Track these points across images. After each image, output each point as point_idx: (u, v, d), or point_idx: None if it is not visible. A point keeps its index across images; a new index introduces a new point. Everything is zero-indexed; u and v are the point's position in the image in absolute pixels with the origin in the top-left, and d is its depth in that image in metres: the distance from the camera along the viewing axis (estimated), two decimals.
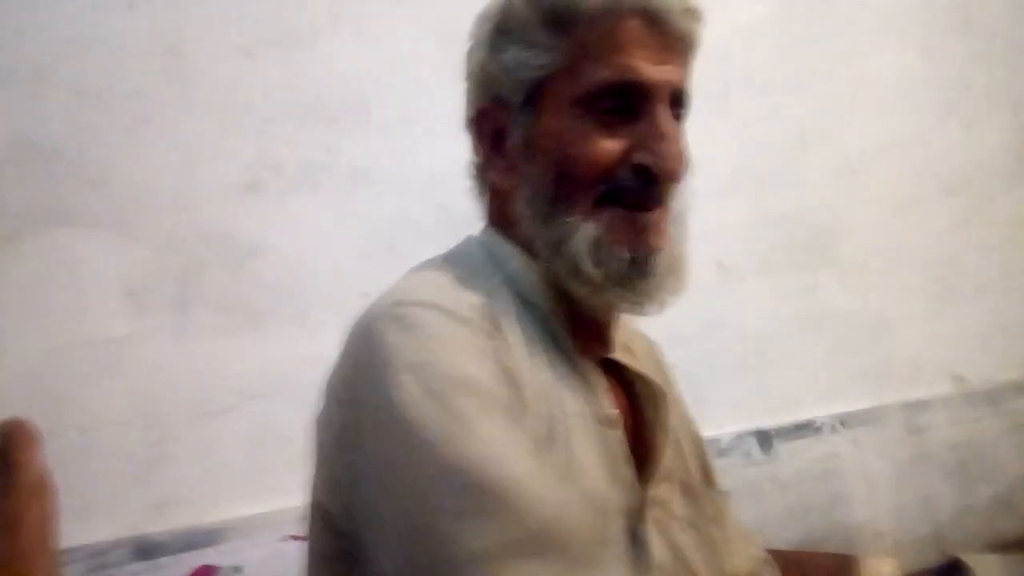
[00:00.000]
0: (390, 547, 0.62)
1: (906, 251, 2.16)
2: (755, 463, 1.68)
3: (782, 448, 1.74)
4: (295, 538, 1.16)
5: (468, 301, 0.70)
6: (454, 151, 1.48)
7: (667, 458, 0.81)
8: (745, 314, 1.79)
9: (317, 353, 1.28)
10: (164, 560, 1.13)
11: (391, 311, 0.67)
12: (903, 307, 2.10)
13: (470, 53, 0.83)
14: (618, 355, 0.84)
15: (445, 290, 0.72)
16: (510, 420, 0.64)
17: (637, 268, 0.74)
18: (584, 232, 0.73)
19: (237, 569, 1.16)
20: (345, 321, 1.32)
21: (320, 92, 1.37)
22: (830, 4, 2.17)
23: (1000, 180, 2.47)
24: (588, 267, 0.72)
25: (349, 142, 1.39)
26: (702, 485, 0.89)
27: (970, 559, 0.96)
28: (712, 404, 1.74)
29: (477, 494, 0.58)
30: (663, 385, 0.88)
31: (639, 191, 0.73)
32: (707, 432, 1.63)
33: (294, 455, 1.26)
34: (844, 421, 1.86)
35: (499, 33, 0.77)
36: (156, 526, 1.13)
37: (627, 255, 0.73)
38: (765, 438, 1.72)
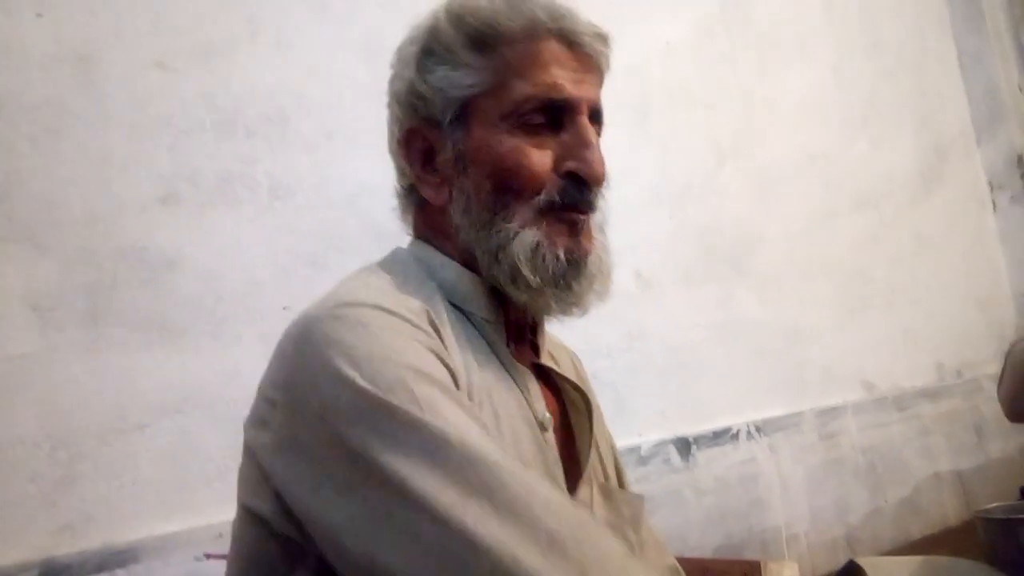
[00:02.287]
0: (360, 535, 0.60)
1: (818, 263, 2.24)
2: (675, 470, 1.72)
3: (701, 455, 1.78)
4: (211, 556, 1.15)
5: (407, 304, 0.72)
6: (376, 164, 1.48)
7: (592, 460, 0.85)
8: (665, 325, 1.83)
9: (235, 368, 1.28)
10: None
11: (333, 312, 0.68)
12: (816, 317, 2.19)
13: (394, 79, 0.87)
14: (546, 361, 0.88)
15: (385, 293, 0.73)
16: (467, 411, 0.65)
17: (572, 268, 0.78)
18: (524, 238, 0.76)
19: None
20: (263, 335, 1.32)
21: (238, 104, 1.35)
22: (746, 25, 2.25)
23: (907, 195, 2.59)
24: (527, 272, 0.76)
25: (269, 155, 1.37)
26: (618, 487, 0.92)
27: (865, 562, 1.01)
28: (633, 413, 1.78)
29: (471, 469, 0.59)
30: (586, 393, 0.91)
31: (577, 198, 0.78)
32: (628, 440, 1.67)
33: (211, 471, 1.25)
34: (760, 428, 1.91)
35: (426, 55, 0.81)
36: (65, 548, 1.10)
37: (563, 256, 0.77)
38: (684, 445, 1.76)
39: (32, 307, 1.13)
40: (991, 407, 1.52)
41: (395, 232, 1.47)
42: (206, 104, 1.32)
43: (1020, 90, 2.86)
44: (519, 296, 0.78)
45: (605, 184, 0.81)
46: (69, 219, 1.17)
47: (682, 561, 0.98)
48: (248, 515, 0.71)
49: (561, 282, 0.77)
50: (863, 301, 2.33)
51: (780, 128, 2.26)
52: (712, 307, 1.97)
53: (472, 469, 0.59)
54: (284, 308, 1.32)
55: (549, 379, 0.88)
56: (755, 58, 2.26)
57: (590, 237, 0.81)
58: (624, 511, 0.87)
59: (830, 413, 2.10)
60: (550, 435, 0.80)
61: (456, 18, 0.80)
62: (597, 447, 0.90)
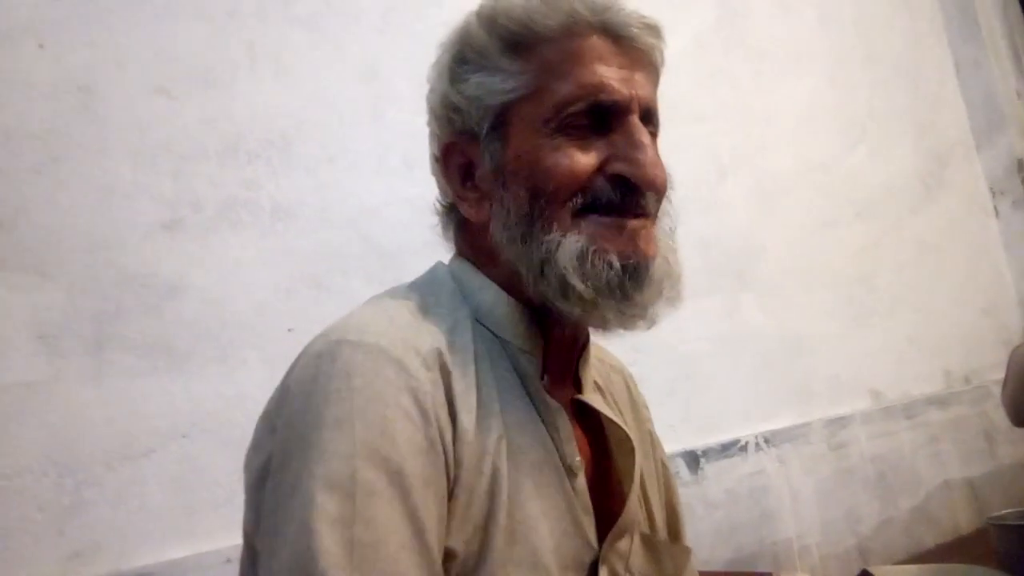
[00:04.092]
0: None
1: (821, 272, 2.24)
2: (684, 484, 1.71)
3: (710, 468, 1.77)
4: None
5: (418, 345, 0.67)
6: (377, 185, 1.50)
7: (630, 510, 0.77)
8: (669, 338, 1.83)
9: (240, 391, 1.28)
10: None
11: (332, 349, 0.65)
12: (821, 326, 2.18)
13: (430, 93, 0.81)
14: (588, 396, 0.80)
15: (397, 330, 0.68)
16: (408, 503, 0.60)
17: (630, 276, 0.70)
18: (567, 246, 0.69)
19: None
20: (269, 358, 1.32)
21: (240, 129, 1.36)
22: (742, 39, 2.26)
23: (907, 202, 2.60)
24: (576, 282, 0.69)
25: (271, 179, 1.38)
26: (664, 539, 0.86)
27: (878, 571, 1.00)
28: None
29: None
30: (633, 426, 0.86)
31: (618, 202, 0.71)
32: None
33: (219, 496, 1.25)
34: (769, 439, 1.91)
35: (459, 63, 0.76)
36: (74, 575, 1.10)
37: (617, 263, 0.70)
38: (693, 459, 1.76)
39: (38, 335, 1.13)
40: (1000, 413, 1.50)
41: (395, 252, 1.48)
42: (208, 130, 1.33)
43: (1018, 96, 2.86)
44: (572, 311, 0.71)
45: (668, 188, 0.74)
46: (73, 247, 1.18)
47: None
48: (246, 542, 0.70)
49: (619, 292, 0.70)
50: (868, 309, 2.33)
51: (779, 140, 2.27)
52: (716, 319, 1.97)
53: None
54: (289, 330, 1.33)
55: (592, 413, 0.80)
56: (752, 71, 2.27)
57: (651, 240, 0.73)
58: (667, 565, 0.81)
59: (838, 423, 2.09)
60: (580, 481, 0.74)
61: (488, 20, 0.74)
62: (644, 492, 0.85)
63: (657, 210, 0.75)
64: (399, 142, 1.53)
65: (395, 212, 1.50)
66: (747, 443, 1.87)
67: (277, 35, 1.44)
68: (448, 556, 0.63)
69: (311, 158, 1.44)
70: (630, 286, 0.70)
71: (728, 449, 1.83)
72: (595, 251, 0.70)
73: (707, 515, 1.74)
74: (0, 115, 1.15)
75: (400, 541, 0.59)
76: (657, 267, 0.72)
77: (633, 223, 0.72)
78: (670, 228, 0.78)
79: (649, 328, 0.74)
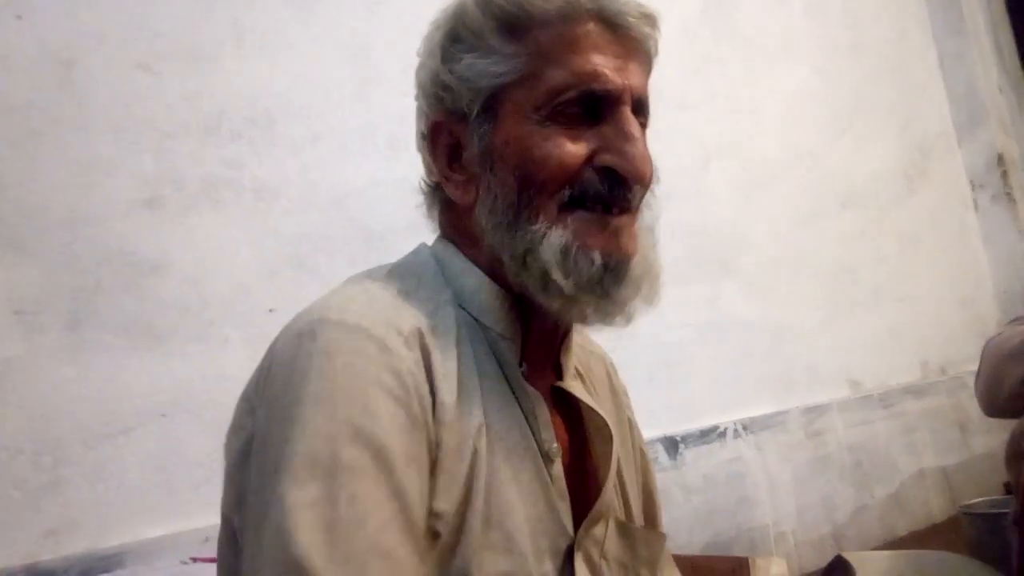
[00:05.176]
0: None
1: (804, 262, 2.25)
2: (663, 469, 1.72)
3: (689, 454, 1.79)
4: (197, 560, 1.14)
5: (399, 324, 0.66)
6: (362, 166, 1.49)
7: (606, 496, 0.77)
8: (652, 325, 1.83)
9: (221, 371, 1.27)
10: None
11: (314, 328, 0.64)
12: (802, 316, 2.20)
13: (420, 67, 0.79)
14: (568, 383, 0.80)
15: (378, 310, 0.67)
16: (392, 480, 0.60)
17: (611, 273, 0.70)
18: (551, 239, 0.69)
19: None
20: (250, 337, 1.31)
21: (223, 107, 1.35)
22: (730, 28, 2.26)
23: (891, 194, 2.61)
24: (558, 277, 0.68)
25: (254, 158, 1.37)
26: (640, 525, 0.86)
27: (852, 557, 1.01)
28: None
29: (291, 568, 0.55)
30: (612, 413, 0.85)
31: (605, 195, 0.70)
32: None
33: (197, 475, 1.24)
34: (747, 426, 1.92)
35: (452, 42, 0.74)
36: (50, 553, 1.09)
37: (599, 260, 0.69)
38: (672, 444, 1.77)
39: (15, 311, 1.12)
40: (975, 404, 1.53)
41: (381, 234, 1.47)
42: (191, 107, 1.31)
43: (1000, 90, 2.89)
44: (551, 304, 0.70)
45: (653, 182, 0.73)
46: (52, 223, 1.16)
47: None
48: (226, 527, 0.69)
49: (599, 288, 0.69)
50: (849, 300, 2.35)
51: (765, 129, 2.28)
52: (699, 307, 1.98)
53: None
54: (270, 310, 1.32)
55: (571, 399, 0.79)
56: (739, 60, 2.27)
57: (633, 237, 0.72)
58: (641, 551, 0.81)
59: (816, 411, 2.11)
60: (557, 467, 0.73)
61: (484, 0, 0.72)
62: (620, 478, 0.84)
63: (641, 202, 0.74)
64: (385, 123, 1.52)
65: (380, 193, 1.49)
66: (726, 430, 1.88)
67: (264, 13, 1.43)
68: (433, 534, 0.63)
69: (295, 138, 1.43)
70: (610, 283, 0.70)
71: (707, 435, 1.84)
72: (579, 247, 0.69)
73: (685, 500, 1.76)
74: None
75: (384, 517, 0.59)
76: (636, 265, 0.72)
77: (616, 221, 0.71)
78: (652, 220, 0.77)
79: (627, 324, 0.73)
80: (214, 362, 1.27)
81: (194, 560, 1.13)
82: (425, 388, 0.65)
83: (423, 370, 0.66)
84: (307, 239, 1.41)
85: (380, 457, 0.60)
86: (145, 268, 1.23)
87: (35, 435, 1.11)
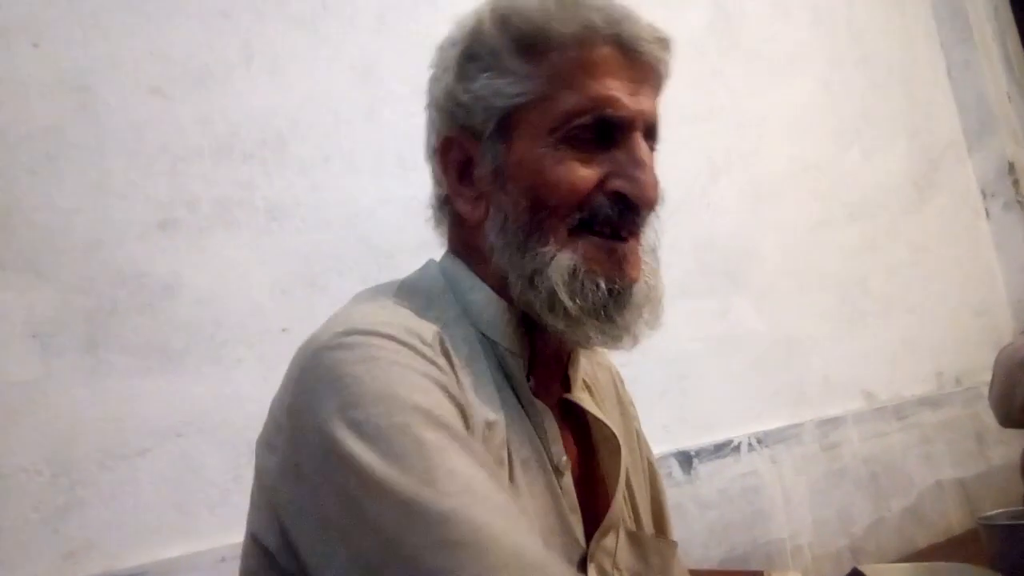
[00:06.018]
0: None
1: (814, 274, 2.25)
2: (677, 484, 1.72)
3: (703, 468, 1.78)
4: None
5: (419, 333, 0.68)
6: (373, 185, 1.51)
7: (616, 507, 0.78)
8: (662, 339, 1.82)
9: (235, 391, 1.28)
10: None
11: (342, 340, 0.64)
12: (814, 328, 2.19)
13: (433, 80, 0.80)
14: (577, 395, 0.81)
15: (397, 320, 0.69)
16: (473, 451, 0.61)
17: (615, 300, 0.72)
18: (560, 262, 0.71)
19: None
20: (264, 357, 1.32)
21: (235, 129, 1.36)
22: (735, 40, 2.27)
23: (901, 204, 2.61)
24: (565, 298, 0.70)
25: (265, 179, 1.38)
26: (650, 534, 0.87)
27: (868, 570, 1.00)
28: None
29: (453, 543, 0.55)
30: (620, 424, 0.87)
31: (615, 219, 0.72)
32: None
33: (213, 495, 1.25)
34: (762, 440, 1.91)
35: (468, 60, 0.75)
36: (69, 574, 1.10)
37: (604, 286, 0.71)
38: (686, 459, 1.76)
39: (32, 334, 1.13)
40: (991, 414, 1.52)
41: (392, 252, 1.48)
42: (203, 130, 1.33)
43: (1009, 98, 2.88)
44: (556, 324, 0.72)
45: (659, 205, 0.75)
46: (68, 246, 1.18)
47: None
48: (254, 544, 0.69)
49: (603, 313, 0.71)
50: (860, 311, 2.34)
51: (772, 141, 2.28)
52: (709, 320, 1.97)
53: (469, 548, 0.55)
54: (283, 330, 1.33)
55: (579, 412, 0.81)
56: (745, 73, 2.28)
57: (637, 263, 0.75)
58: (652, 560, 0.82)
59: (831, 423, 2.10)
60: (567, 479, 0.75)
61: (502, 19, 0.73)
62: (629, 488, 0.85)
63: (646, 228, 0.76)
64: (394, 142, 1.53)
65: (390, 212, 1.50)
66: (740, 443, 1.87)
67: (272, 35, 1.44)
68: None
69: (306, 158, 1.44)
70: (613, 308, 0.72)
71: (721, 449, 1.84)
72: (586, 271, 0.71)
73: (700, 515, 1.75)
74: None
75: (483, 478, 0.60)
76: (638, 292, 0.74)
77: (623, 247, 0.73)
78: (655, 240, 0.79)
79: (633, 346, 0.75)
80: (228, 382, 1.28)
81: None
82: (456, 391, 0.67)
83: (452, 376, 0.67)
84: (319, 258, 1.42)
85: (455, 435, 0.61)
86: (159, 290, 1.24)
87: (53, 457, 1.12)
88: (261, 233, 1.36)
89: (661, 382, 1.82)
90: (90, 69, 1.24)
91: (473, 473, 0.59)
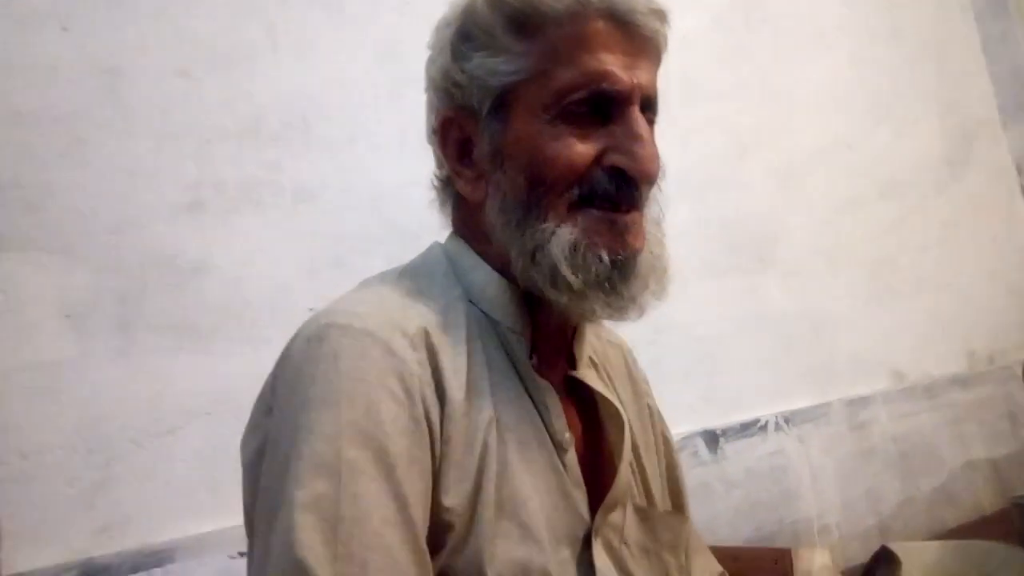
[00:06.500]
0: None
1: (844, 252, 2.22)
2: (703, 463, 1.71)
3: (729, 447, 1.78)
4: (244, 555, 1.16)
5: (405, 326, 0.68)
6: (398, 166, 1.51)
7: (622, 482, 0.78)
8: (690, 317, 1.83)
9: (264, 370, 1.28)
10: None
11: (321, 333, 0.67)
12: (843, 306, 2.17)
13: (430, 62, 0.81)
14: (582, 372, 0.82)
15: (386, 312, 0.70)
16: (392, 480, 0.62)
17: (618, 270, 0.71)
18: (561, 237, 0.70)
19: None
20: (290, 336, 1.33)
21: (260, 111, 1.37)
22: (764, 16, 2.24)
23: (932, 182, 2.56)
24: (567, 273, 0.70)
25: (292, 160, 1.39)
26: (662, 510, 0.86)
27: (897, 547, 1.00)
28: (660, 406, 1.77)
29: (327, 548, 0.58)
30: (631, 401, 0.87)
31: (613, 194, 0.72)
32: None
33: (241, 472, 1.27)
34: (789, 419, 1.90)
35: (462, 39, 0.75)
36: (103, 549, 1.12)
37: (607, 257, 0.71)
38: (712, 438, 1.76)
39: (65, 315, 1.15)
40: None
41: (418, 232, 1.47)
42: (229, 112, 1.34)
43: None
44: (559, 299, 0.72)
45: (660, 178, 0.74)
46: (99, 228, 1.20)
47: (711, 550, 0.97)
48: (248, 528, 0.71)
49: (607, 285, 0.71)
50: (890, 289, 2.31)
51: (801, 118, 2.25)
52: (737, 299, 1.96)
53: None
54: (310, 310, 1.32)
55: (587, 390, 0.81)
56: (773, 49, 2.24)
57: (640, 233, 0.74)
58: (663, 535, 0.82)
59: (859, 403, 2.08)
60: (571, 456, 0.75)
61: None
62: (640, 464, 0.85)
63: (648, 198, 0.76)
64: (418, 123, 1.51)
65: (416, 192, 1.49)
66: (767, 423, 1.87)
67: (297, 16, 1.45)
68: (446, 527, 0.65)
69: (332, 139, 1.45)
70: (618, 279, 0.72)
71: (748, 429, 1.83)
72: (587, 245, 0.71)
73: (726, 494, 1.75)
74: (26, 98, 1.17)
75: (384, 516, 0.60)
76: (643, 261, 0.73)
77: (624, 218, 0.73)
78: (659, 214, 0.78)
79: (639, 317, 0.75)
80: (257, 361, 1.27)
81: (241, 555, 1.16)
82: (430, 388, 0.67)
83: (428, 370, 0.68)
84: (345, 239, 1.43)
85: (381, 458, 0.62)
86: (188, 270, 1.26)
87: (88, 434, 1.14)
88: (288, 214, 1.37)
89: (688, 361, 1.82)
90: (118, 52, 1.25)
91: (376, 503, 0.61)
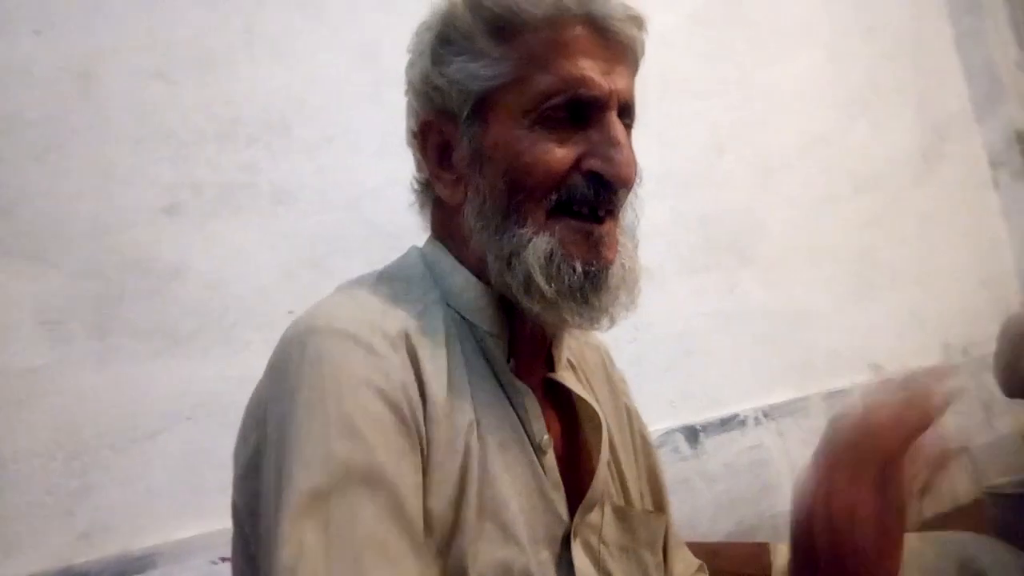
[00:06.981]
0: None
1: (822, 247, 2.24)
2: (684, 458, 1.73)
3: (709, 442, 1.79)
4: (226, 560, 1.16)
5: (385, 328, 0.69)
6: (377, 167, 1.51)
7: (600, 482, 0.79)
8: (669, 314, 1.84)
9: (243, 373, 1.28)
10: None
11: (302, 337, 0.68)
12: (821, 301, 2.19)
13: (410, 65, 0.81)
14: (561, 374, 0.82)
15: (366, 314, 0.70)
16: (384, 474, 0.62)
17: (591, 281, 0.72)
18: (537, 245, 0.71)
19: None
20: (271, 340, 1.33)
21: (239, 113, 1.37)
22: (740, 12, 2.25)
23: (909, 176, 2.59)
24: (541, 281, 0.71)
25: (270, 162, 1.39)
26: (641, 509, 0.87)
27: None
28: (640, 402, 1.78)
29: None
30: (606, 402, 0.88)
31: (591, 199, 0.72)
32: None
33: (223, 476, 1.25)
34: (768, 413, 1.92)
35: (442, 43, 0.75)
36: (84, 556, 1.12)
37: (580, 268, 0.72)
38: (692, 433, 1.77)
39: (41, 321, 1.14)
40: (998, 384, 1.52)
41: (397, 234, 1.47)
42: (206, 114, 1.33)
43: (1018, 67, 2.85)
44: (532, 307, 0.72)
45: (637, 183, 0.75)
46: (75, 233, 1.19)
47: (690, 546, 0.98)
48: (235, 530, 0.74)
49: (579, 295, 0.72)
50: (868, 283, 2.33)
51: (779, 114, 2.27)
52: (716, 295, 1.97)
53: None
54: (290, 312, 1.33)
55: (565, 391, 0.82)
56: (751, 45, 2.26)
57: (613, 244, 0.75)
58: (641, 533, 0.83)
59: (838, 396, 2.10)
60: (549, 458, 0.76)
61: (474, 2, 0.73)
62: (617, 465, 0.86)
63: (624, 204, 0.77)
64: (399, 123, 1.51)
65: (396, 194, 1.48)
66: (746, 417, 1.88)
67: (275, 18, 1.44)
68: (428, 530, 0.65)
69: (311, 141, 1.44)
70: (589, 290, 0.72)
71: (727, 423, 1.85)
72: (563, 255, 0.72)
73: (707, 489, 1.76)
74: (0, 102, 1.16)
75: (376, 510, 0.61)
76: (614, 274, 0.74)
77: (600, 229, 0.74)
78: (633, 220, 0.79)
79: (610, 327, 0.76)
80: (236, 364, 1.29)
81: (223, 560, 1.15)
82: (414, 388, 0.67)
83: (411, 371, 0.68)
84: (324, 241, 1.42)
85: (371, 453, 0.62)
86: (166, 274, 1.25)
87: (65, 441, 1.13)
88: (267, 216, 1.37)
89: (667, 357, 1.83)
90: (92, 55, 1.24)
91: (368, 498, 0.62)
